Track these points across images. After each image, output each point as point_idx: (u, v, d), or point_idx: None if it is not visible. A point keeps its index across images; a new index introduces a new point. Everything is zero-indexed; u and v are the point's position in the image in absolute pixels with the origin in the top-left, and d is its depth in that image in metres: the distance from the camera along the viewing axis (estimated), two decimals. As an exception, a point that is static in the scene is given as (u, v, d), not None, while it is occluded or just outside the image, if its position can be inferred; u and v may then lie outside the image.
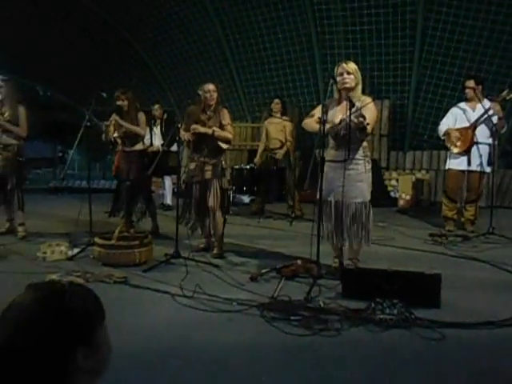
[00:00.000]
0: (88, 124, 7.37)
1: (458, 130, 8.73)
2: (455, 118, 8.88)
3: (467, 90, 8.80)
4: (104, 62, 16.86)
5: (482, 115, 8.56)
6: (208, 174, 7.05)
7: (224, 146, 7.12)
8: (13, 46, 16.20)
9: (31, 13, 14.89)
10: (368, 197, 5.90)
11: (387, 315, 4.52)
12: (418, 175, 13.28)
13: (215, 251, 7.17)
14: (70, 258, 6.74)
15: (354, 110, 5.55)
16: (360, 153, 5.85)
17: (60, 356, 1.41)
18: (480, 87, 8.75)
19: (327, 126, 5.76)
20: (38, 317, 1.42)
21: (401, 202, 12.54)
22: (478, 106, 8.64)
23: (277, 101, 11.01)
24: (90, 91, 8.39)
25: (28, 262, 6.63)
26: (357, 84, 5.87)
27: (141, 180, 8.24)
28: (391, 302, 4.64)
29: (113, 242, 6.57)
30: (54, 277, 5.68)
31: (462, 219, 9.12)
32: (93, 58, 16.66)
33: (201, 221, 7.35)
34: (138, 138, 8.31)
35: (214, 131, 6.96)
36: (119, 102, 8.14)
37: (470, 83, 8.77)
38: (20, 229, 8.17)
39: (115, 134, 8.16)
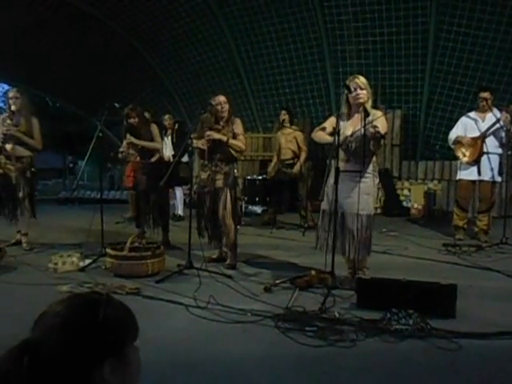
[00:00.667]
0: (100, 135, 7.38)
1: (467, 139, 8.81)
2: (465, 128, 8.96)
3: (488, 102, 8.77)
4: (114, 73, 16.90)
5: (492, 125, 8.61)
6: (219, 183, 7.03)
7: (236, 154, 7.12)
8: (23, 57, 16.25)
9: (42, 24, 14.92)
10: (372, 209, 5.95)
11: (403, 325, 4.48)
12: (430, 185, 13.28)
13: (228, 261, 7.14)
14: (82, 269, 6.71)
15: (366, 121, 5.59)
16: (370, 167, 5.90)
17: (87, 365, 1.40)
18: (492, 98, 8.82)
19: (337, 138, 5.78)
20: (70, 323, 1.42)
21: (413, 212, 12.51)
22: (488, 116, 8.72)
23: (284, 112, 11.06)
24: (101, 102, 8.40)
25: (39, 273, 6.60)
26: (368, 98, 5.88)
27: (159, 190, 8.22)
28: (407, 312, 4.59)
29: (125, 252, 6.52)
30: (65, 288, 5.70)
31: (476, 229, 9.12)
32: (103, 68, 16.69)
33: (212, 231, 7.31)
34: (155, 151, 8.32)
35: (228, 138, 6.95)
36: (131, 120, 8.18)
37: (487, 94, 8.79)
38: (24, 239, 8.21)
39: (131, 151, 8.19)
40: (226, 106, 7.11)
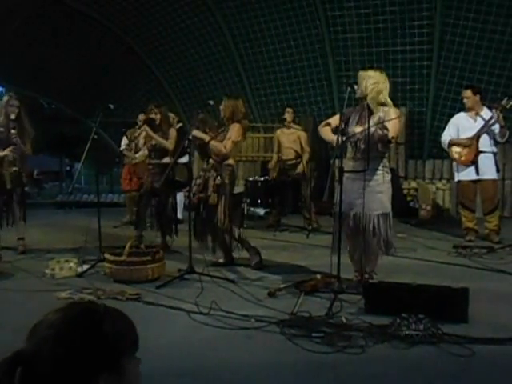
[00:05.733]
0: (95, 137, 7.38)
1: (462, 140, 8.81)
2: (457, 129, 8.99)
3: (465, 100, 8.92)
4: (110, 73, 16.83)
5: (484, 125, 8.64)
6: (210, 191, 6.99)
7: (214, 157, 7.01)
8: (17, 59, 16.18)
9: (36, 24, 14.82)
10: (389, 208, 5.77)
11: (413, 331, 4.36)
12: (439, 185, 13.10)
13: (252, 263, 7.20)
14: (80, 275, 6.60)
15: (376, 120, 5.52)
16: (380, 163, 5.72)
17: (81, 379, 1.35)
18: (478, 97, 8.86)
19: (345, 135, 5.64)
20: (64, 336, 1.38)
21: (421, 213, 12.38)
22: (480, 114, 8.76)
23: (289, 109, 10.87)
24: (96, 103, 8.40)
25: (36, 279, 6.50)
26: (378, 92, 5.70)
27: (167, 192, 8.30)
28: (417, 317, 4.46)
29: (124, 257, 6.40)
30: (63, 294, 5.60)
31: (486, 231, 8.98)
32: (98, 68, 16.63)
33: (214, 237, 7.26)
34: (167, 151, 8.34)
35: (210, 139, 6.91)
36: (152, 115, 8.33)
37: (467, 93, 8.90)
38: (20, 242, 8.23)
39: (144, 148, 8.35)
40: (221, 108, 7.11)
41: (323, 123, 6.14)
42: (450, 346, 4.16)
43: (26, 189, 9.07)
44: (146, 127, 8.33)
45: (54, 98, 20.14)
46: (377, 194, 5.67)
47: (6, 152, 7.96)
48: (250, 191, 11.06)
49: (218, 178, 6.93)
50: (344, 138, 5.57)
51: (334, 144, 5.66)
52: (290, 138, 10.56)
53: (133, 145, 9.65)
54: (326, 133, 5.97)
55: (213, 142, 6.90)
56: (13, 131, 8.01)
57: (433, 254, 7.92)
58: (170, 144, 8.26)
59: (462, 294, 4.80)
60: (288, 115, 10.71)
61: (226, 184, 6.95)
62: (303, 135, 10.59)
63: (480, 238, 8.96)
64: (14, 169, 8.03)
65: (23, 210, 8.24)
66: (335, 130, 5.86)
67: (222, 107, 7.08)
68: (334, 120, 6.01)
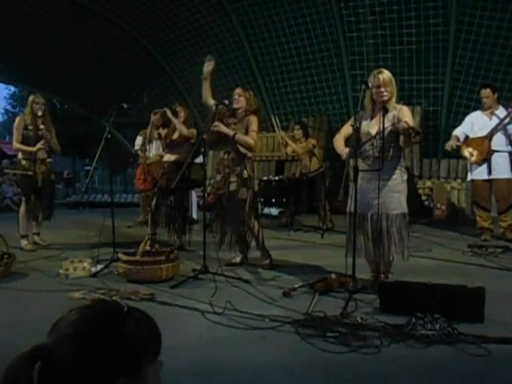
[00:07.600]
0: (108, 136, 7.32)
1: (473, 140, 8.79)
2: (472, 126, 8.93)
3: (484, 99, 8.81)
4: (123, 72, 16.84)
5: (498, 124, 8.59)
6: (233, 186, 6.90)
7: (244, 151, 6.90)
8: (30, 59, 16.22)
9: (49, 24, 14.83)
10: (406, 208, 5.70)
11: (429, 331, 4.31)
12: (454, 184, 13.06)
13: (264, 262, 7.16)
14: (94, 275, 6.59)
15: (391, 118, 5.48)
16: (397, 163, 5.67)
17: (97, 381, 1.32)
18: (496, 95, 8.80)
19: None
20: (82, 336, 1.35)
21: (436, 212, 12.36)
22: (495, 114, 8.70)
23: (297, 127, 10.88)
24: (109, 103, 8.41)
25: (50, 279, 6.51)
26: (393, 94, 5.66)
27: (182, 192, 8.32)
28: (433, 316, 4.41)
29: (138, 257, 6.41)
30: (77, 294, 5.59)
31: (501, 230, 8.94)
32: (112, 68, 16.67)
33: (235, 234, 7.21)
34: (181, 149, 8.29)
35: (235, 133, 6.78)
36: (177, 108, 8.42)
37: (487, 92, 8.79)
38: (37, 237, 8.75)
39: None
40: (241, 99, 6.95)
41: (337, 134, 6.07)
42: (466, 345, 4.10)
43: (59, 186, 9.40)
44: (167, 110, 8.33)
45: (66, 98, 20.22)
46: (394, 193, 5.61)
47: (39, 145, 8.30)
48: (264, 191, 11.05)
49: (244, 171, 6.87)
50: (356, 139, 5.54)
51: (343, 158, 5.69)
52: (306, 150, 10.52)
53: (147, 145, 9.68)
54: (338, 144, 5.90)
55: (239, 136, 6.80)
56: (42, 126, 8.37)
57: (448, 254, 7.89)
58: (187, 131, 8.23)
59: (478, 293, 4.74)
60: (297, 132, 10.74)
61: (252, 177, 6.93)
62: (313, 148, 10.59)
63: (495, 237, 8.93)
64: (44, 167, 8.44)
65: (51, 208, 8.75)
66: (347, 139, 5.84)
67: (237, 94, 6.99)
68: (345, 128, 5.96)
